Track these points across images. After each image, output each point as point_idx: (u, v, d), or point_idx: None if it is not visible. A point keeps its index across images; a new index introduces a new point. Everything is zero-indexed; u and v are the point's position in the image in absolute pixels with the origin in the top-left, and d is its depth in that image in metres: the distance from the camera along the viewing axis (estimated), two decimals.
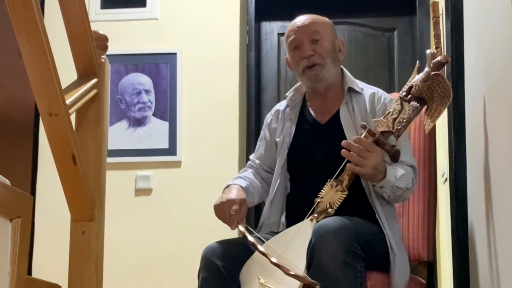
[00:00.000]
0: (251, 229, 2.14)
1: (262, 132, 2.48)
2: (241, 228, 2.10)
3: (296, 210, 2.23)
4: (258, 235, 2.16)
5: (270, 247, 2.04)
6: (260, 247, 2.01)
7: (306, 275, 1.91)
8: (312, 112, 2.36)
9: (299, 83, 2.42)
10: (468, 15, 2.55)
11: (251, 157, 2.48)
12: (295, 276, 1.89)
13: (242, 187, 2.25)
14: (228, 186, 2.28)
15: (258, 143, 2.49)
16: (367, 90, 2.34)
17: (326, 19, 2.38)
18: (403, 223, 2.38)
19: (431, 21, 2.31)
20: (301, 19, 2.34)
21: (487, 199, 2.15)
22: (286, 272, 1.90)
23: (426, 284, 2.34)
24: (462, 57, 2.59)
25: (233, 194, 2.19)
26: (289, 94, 2.43)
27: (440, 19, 2.17)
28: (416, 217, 2.37)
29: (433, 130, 2.30)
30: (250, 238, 2.05)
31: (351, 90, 2.32)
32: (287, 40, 2.35)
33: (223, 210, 2.15)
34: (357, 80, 2.37)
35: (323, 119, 2.33)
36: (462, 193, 2.57)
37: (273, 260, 1.94)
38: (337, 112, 2.30)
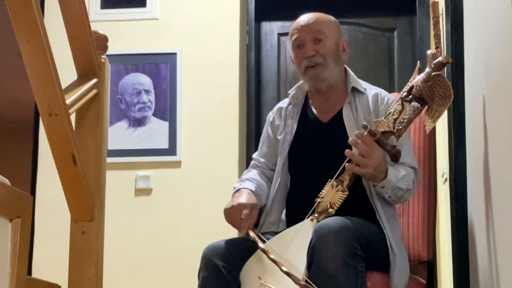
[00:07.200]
0: (262, 237, 2.13)
1: (264, 130, 2.47)
2: (252, 234, 2.09)
3: (296, 209, 2.23)
4: (260, 235, 2.16)
5: (270, 248, 2.04)
6: (271, 255, 1.99)
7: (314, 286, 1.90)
8: (314, 110, 2.36)
9: (302, 81, 2.42)
10: (468, 15, 2.55)
11: (255, 156, 2.48)
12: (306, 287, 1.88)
13: (252, 191, 2.25)
14: (238, 190, 2.27)
15: (261, 141, 2.48)
16: (371, 90, 2.33)
17: (331, 17, 2.37)
18: (403, 223, 2.37)
19: (431, 21, 2.31)
20: (305, 18, 2.33)
21: (487, 199, 2.15)
22: (297, 282, 1.89)
23: (426, 284, 2.34)
24: (462, 57, 2.59)
25: (244, 198, 2.18)
26: (292, 91, 2.43)
27: (440, 19, 2.17)
28: (416, 217, 2.37)
29: (433, 130, 2.30)
30: (261, 245, 2.04)
31: (354, 90, 2.32)
32: (291, 38, 2.34)
33: (233, 215, 2.14)
34: (360, 80, 2.37)
35: (326, 118, 2.32)
36: (462, 193, 2.57)
37: (284, 269, 1.93)
38: (340, 111, 2.29)
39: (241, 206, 2.14)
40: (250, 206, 2.15)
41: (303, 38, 2.30)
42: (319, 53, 2.27)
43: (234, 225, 2.15)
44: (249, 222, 2.12)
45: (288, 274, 1.91)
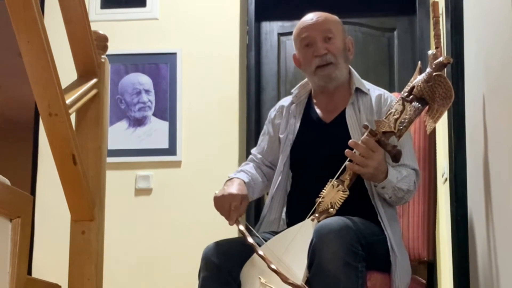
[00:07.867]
0: (251, 228, 2.14)
1: (265, 126, 2.47)
2: (241, 228, 2.10)
3: (297, 208, 2.23)
4: (258, 235, 2.16)
5: (269, 249, 2.04)
6: (260, 251, 2.00)
7: (305, 285, 1.90)
8: (317, 110, 2.35)
9: (305, 80, 2.41)
10: (468, 15, 2.55)
11: (253, 151, 2.48)
12: (293, 285, 1.89)
13: (244, 182, 2.24)
14: (230, 178, 2.27)
15: (261, 137, 2.48)
16: (374, 91, 2.33)
17: (336, 17, 2.36)
18: (403, 223, 2.38)
19: (431, 21, 2.31)
20: (312, 17, 2.32)
21: (487, 199, 2.15)
22: (285, 280, 1.90)
23: (426, 284, 2.34)
24: (462, 57, 2.59)
25: (235, 188, 2.17)
26: (295, 90, 2.42)
27: (440, 19, 2.17)
28: (416, 217, 2.37)
29: (433, 130, 2.30)
30: (250, 240, 2.04)
31: (358, 90, 2.31)
32: (299, 37, 2.32)
33: (222, 204, 2.14)
34: (364, 81, 2.37)
35: (329, 118, 2.32)
36: (462, 193, 2.57)
37: (272, 266, 1.93)
38: (343, 112, 2.29)
39: (231, 197, 2.14)
40: (240, 198, 2.15)
41: (313, 37, 2.28)
42: (330, 52, 2.26)
43: (222, 214, 2.15)
44: (238, 213, 2.13)
45: (276, 271, 1.92)
